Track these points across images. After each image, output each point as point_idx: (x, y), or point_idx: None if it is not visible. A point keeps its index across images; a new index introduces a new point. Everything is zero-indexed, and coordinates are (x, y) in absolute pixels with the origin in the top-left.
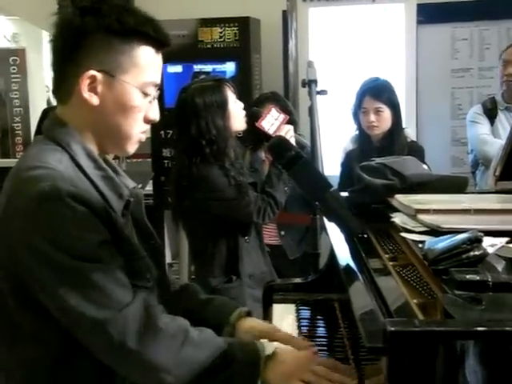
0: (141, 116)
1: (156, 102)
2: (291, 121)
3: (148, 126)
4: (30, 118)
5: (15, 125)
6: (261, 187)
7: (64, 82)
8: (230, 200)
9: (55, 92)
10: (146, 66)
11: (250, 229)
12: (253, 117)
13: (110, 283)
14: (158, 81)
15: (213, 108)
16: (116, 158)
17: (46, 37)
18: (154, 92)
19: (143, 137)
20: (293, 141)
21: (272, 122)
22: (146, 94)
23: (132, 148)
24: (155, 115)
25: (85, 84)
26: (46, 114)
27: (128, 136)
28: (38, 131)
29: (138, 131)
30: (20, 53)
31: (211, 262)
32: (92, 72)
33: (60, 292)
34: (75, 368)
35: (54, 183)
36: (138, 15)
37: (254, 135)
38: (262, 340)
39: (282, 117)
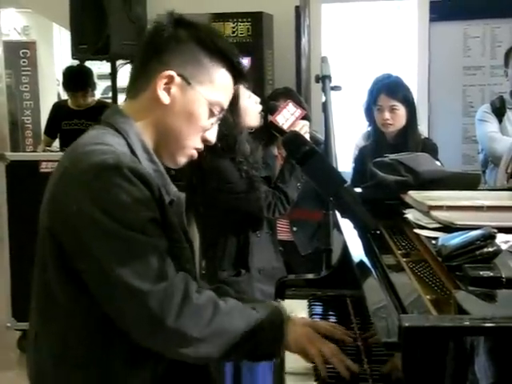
0: (200, 131)
1: (216, 126)
2: (305, 117)
3: (202, 146)
4: (41, 111)
5: (25, 118)
6: (273, 182)
7: (142, 77)
8: (240, 193)
9: (129, 87)
10: (221, 86)
11: (261, 223)
12: (269, 111)
13: (155, 258)
14: (226, 106)
15: None
16: None
17: (56, 30)
18: (218, 115)
19: (195, 154)
20: (307, 137)
21: (287, 117)
22: (212, 113)
23: (182, 160)
24: (212, 137)
25: (162, 81)
26: (56, 108)
27: (183, 145)
28: (49, 125)
29: (192, 145)
30: (30, 46)
31: (221, 255)
32: (171, 72)
33: (105, 258)
34: (107, 347)
35: (116, 156)
36: (226, 41)
37: (266, 130)
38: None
39: (298, 112)
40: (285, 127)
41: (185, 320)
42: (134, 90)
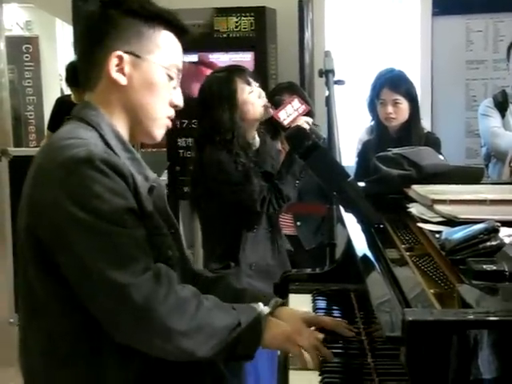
0: (166, 97)
1: (179, 89)
2: (309, 113)
3: (173, 112)
4: (44, 106)
5: (28, 113)
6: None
7: (93, 68)
8: (236, 185)
9: (84, 81)
10: (168, 48)
11: (257, 218)
12: (274, 105)
13: (134, 249)
14: (180, 65)
15: (217, 99)
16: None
17: (59, 25)
18: (177, 76)
19: (169, 122)
20: None
21: (290, 112)
22: (170, 77)
23: (159, 133)
24: (179, 100)
25: (113, 64)
26: (59, 103)
27: (155, 117)
28: (52, 120)
29: (164, 114)
30: (33, 41)
31: (215, 246)
32: (119, 52)
33: (85, 253)
34: (94, 342)
35: (87, 149)
36: (158, 5)
37: (270, 125)
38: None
39: (302, 108)
40: (285, 123)
41: (169, 312)
42: (89, 81)
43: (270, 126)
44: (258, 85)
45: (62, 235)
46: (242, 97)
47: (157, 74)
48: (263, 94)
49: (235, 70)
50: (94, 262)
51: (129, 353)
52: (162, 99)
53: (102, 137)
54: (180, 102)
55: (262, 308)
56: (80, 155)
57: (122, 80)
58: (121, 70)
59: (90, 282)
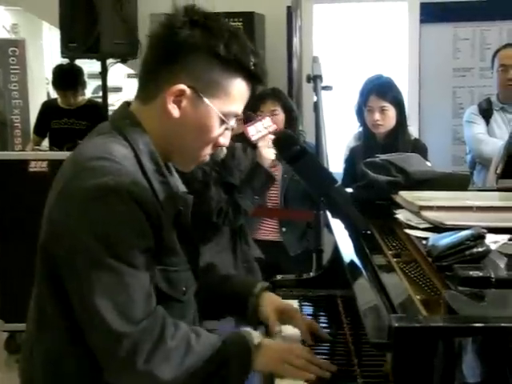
0: (213, 140)
1: (230, 131)
2: (292, 118)
3: (214, 150)
4: (30, 110)
5: (14, 117)
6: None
7: (152, 84)
8: (193, 192)
9: (139, 89)
10: (236, 97)
11: (216, 229)
12: (245, 120)
13: (138, 292)
14: (240, 112)
15: None
16: None
17: (46, 28)
18: (232, 122)
19: (207, 158)
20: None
21: (260, 129)
22: (224, 122)
23: (191, 166)
24: (225, 142)
25: (172, 95)
26: (46, 106)
27: (195, 156)
28: (38, 124)
29: (203, 153)
30: (19, 44)
31: None
32: (183, 86)
33: (88, 285)
34: (95, 362)
35: (116, 178)
36: (243, 44)
37: (245, 138)
38: (247, 329)
39: (273, 127)
40: (253, 139)
41: (156, 364)
42: (143, 94)
43: (242, 139)
44: None
45: (72, 260)
46: None
47: (212, 119)
48: None
49: None
50: (94, 297)
51: None
52: (208, 143)
53: (136, 156)
54: (226, 144)
55: (252, 334)
56: (108, 184)
57: (175, 113)
58: (178, 102)
59: (86, 315)
